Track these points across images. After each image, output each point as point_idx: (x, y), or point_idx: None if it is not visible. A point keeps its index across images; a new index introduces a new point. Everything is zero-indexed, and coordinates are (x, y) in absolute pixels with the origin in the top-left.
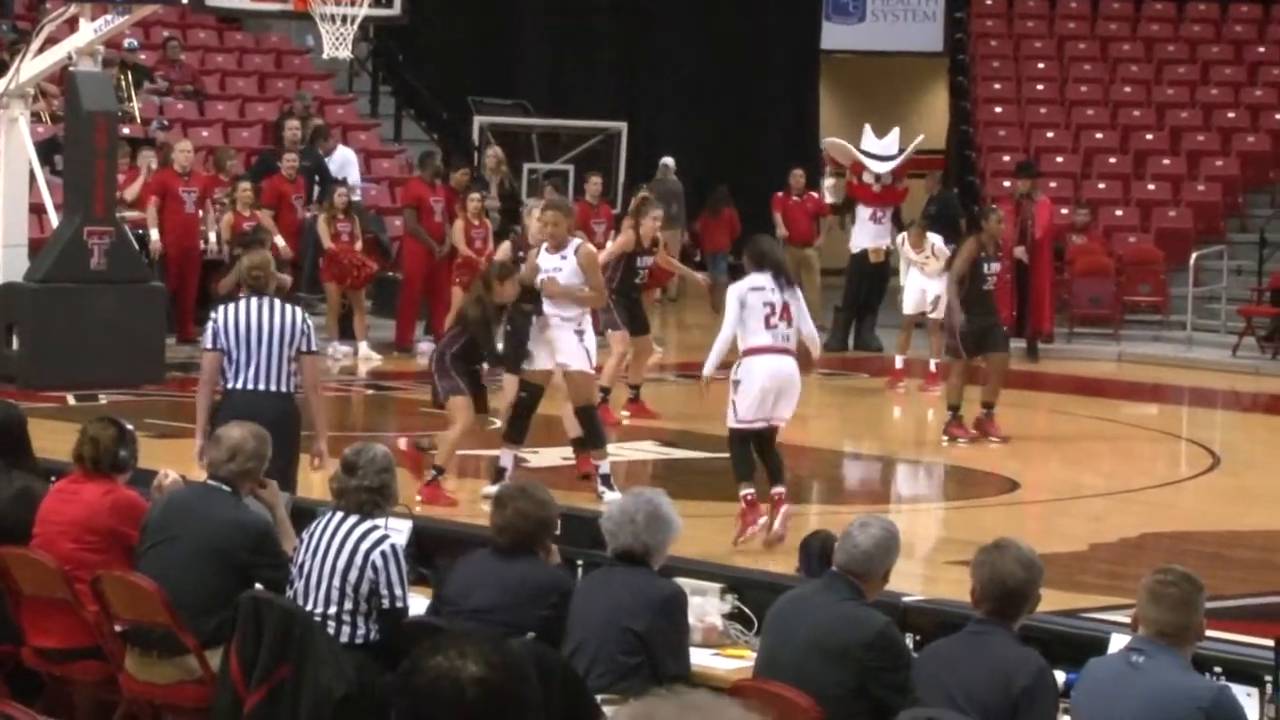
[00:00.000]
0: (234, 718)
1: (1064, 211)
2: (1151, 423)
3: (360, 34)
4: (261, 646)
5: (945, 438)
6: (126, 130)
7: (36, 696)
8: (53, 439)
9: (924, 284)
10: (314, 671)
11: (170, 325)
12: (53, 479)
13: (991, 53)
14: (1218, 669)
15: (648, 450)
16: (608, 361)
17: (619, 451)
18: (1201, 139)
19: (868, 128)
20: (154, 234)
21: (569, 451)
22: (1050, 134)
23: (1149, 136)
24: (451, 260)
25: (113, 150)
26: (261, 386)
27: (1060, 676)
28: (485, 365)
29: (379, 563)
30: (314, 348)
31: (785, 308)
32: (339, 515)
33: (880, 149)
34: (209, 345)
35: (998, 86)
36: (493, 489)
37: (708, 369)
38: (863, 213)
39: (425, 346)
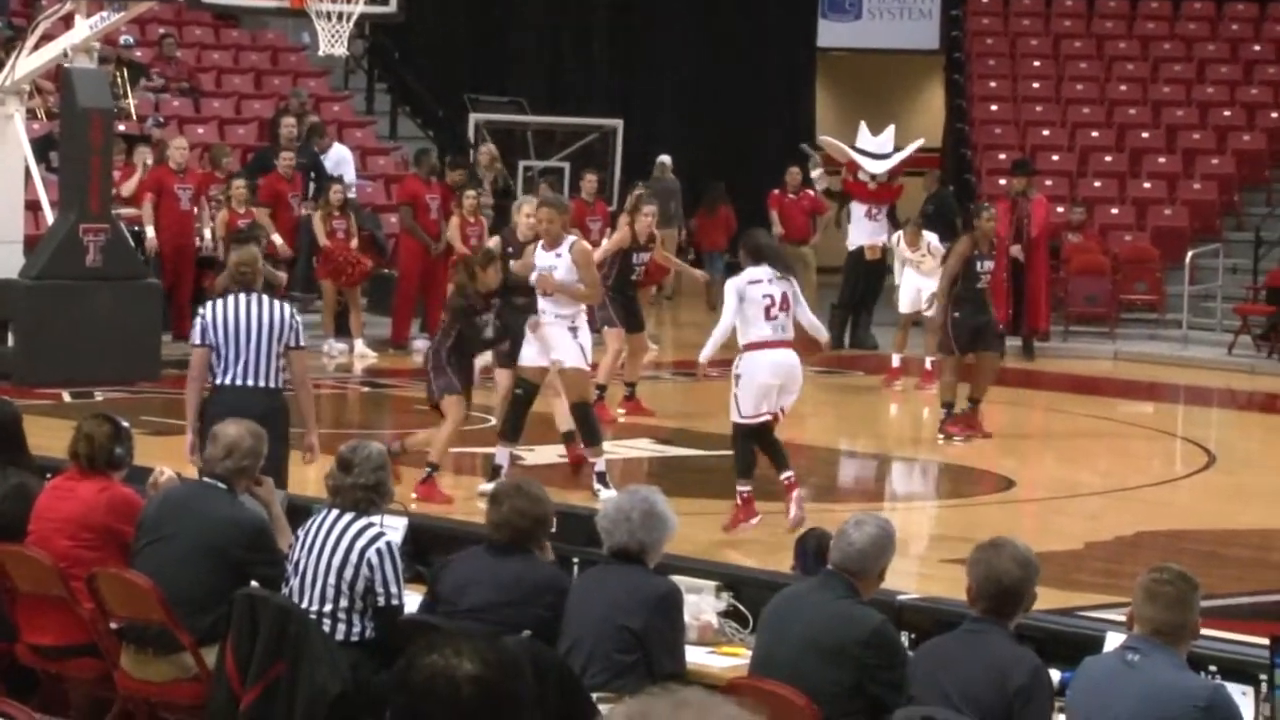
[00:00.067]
0: (229, 715)
1: (1060, 210)
2: (1147, 421)
3: (356, 31)
4: (257, 644)
5: (941, 436)
6: (122, 127)
7: (32, 694)
8: (48, 436)
9: (919, 283)
10: (309, 669)
11: (166, 322)
12: (48, 476)
13: (987, 50)
14: (1213, 668)
15: (643, 448)
16: (603, 359)
17: (614, 449)
18: (1197, 137)
19: (863, 125)
20: (149, 231)
21: (563, 449)
22: (1046, 132)
23: (1145, 135)
24: (447, 257)
25: (108, 147)
26: (250, 382)
27: (1056, 675)
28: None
29: (374, 560)
30: (302, 343)
31: (784, 298)
32: (334, 513)
33: (875, 147)
34: (197, 341)
35: (994, 84)
36: (489, 486)
37: (704, 354)
38: (858, 210)
39: (421, 344)
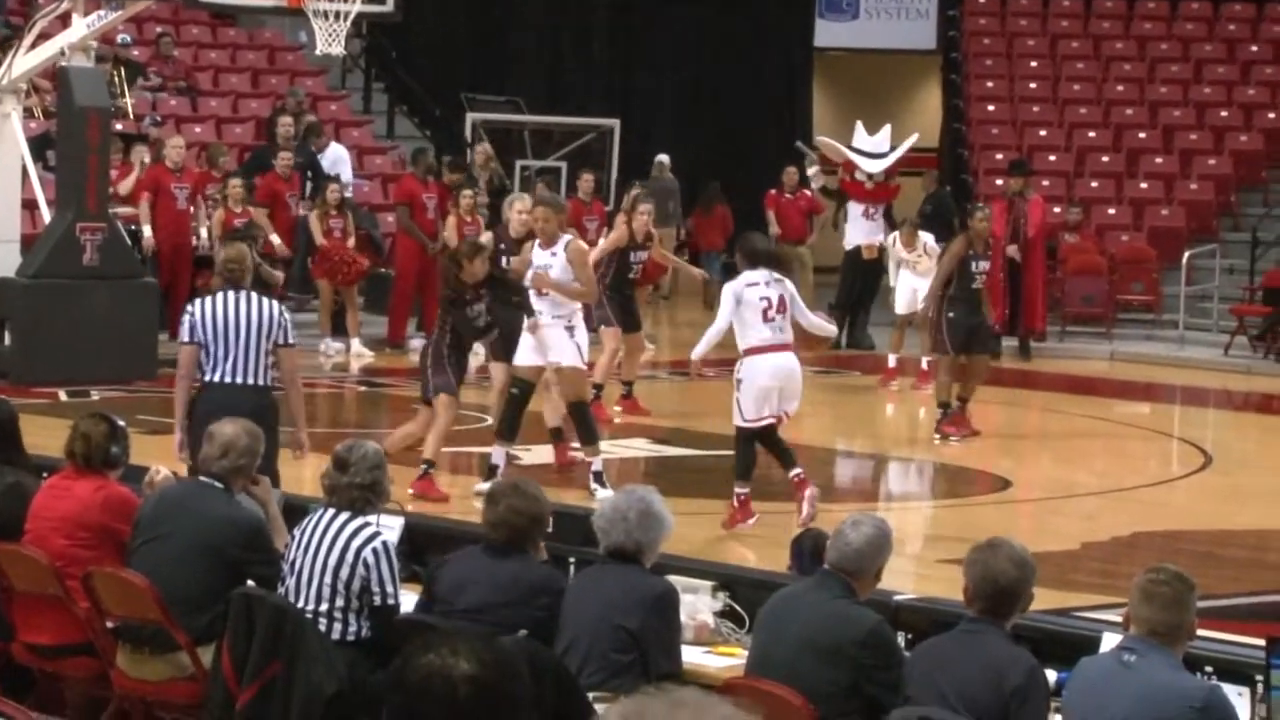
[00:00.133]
0: (226, 715)
1: (1057, 210)
2: (1144, 421)
3: (353, 30)
4: (253, 643)
5: (937, 436)
6: (119, 126)
7: (28, 693)
8: (44, 435)
9: (915, 283)
10: (305, 669)
11: (162, 321)
12: (44, 475)
13: (984, 50)
14: (1209, 668)
15: (640, 448)
16: (600, 358)
17: (611, 449)
18: (1194, 138)
19: (859, 125)
20: (146, 230)
21: (569, 450)
22: (1043, 132)
23: (1142, 135)
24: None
25: (105, 146)
26: (239, 380)
27: (1052, 675)
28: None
29: (370, 560)
30: (292, 340)
31: (781, 301)
32: (330, 512)
33: (872, 146)
34: (185, 339)
35: (990, 84)
36: (485, 486)
37: (697, 352)
38: (855, 210)
39: (418, 343)
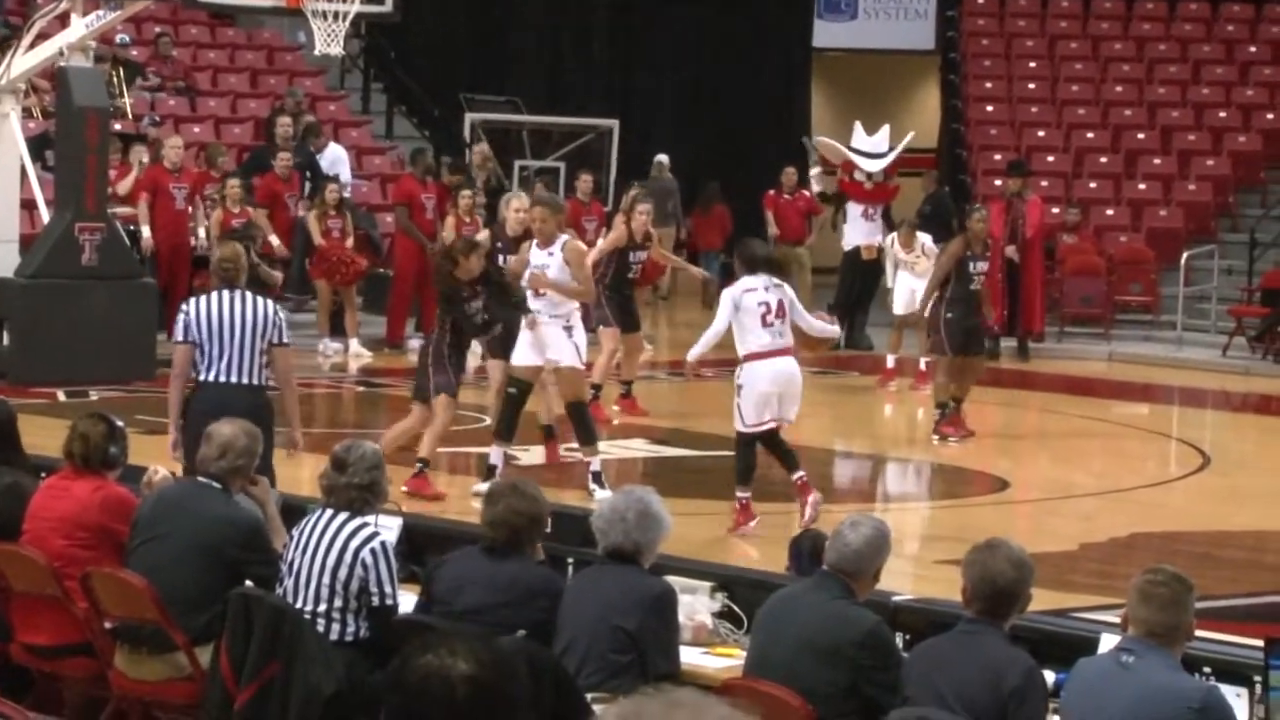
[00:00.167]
0: (224, 715)
1: (1055, 211)
2: (1142, 422)
3: (352, 30)
4: (251, 644)
5: (935, 436)
6: (118, 126)
7: (26, 693)
8: (43, 435)
9: (913, 284)
10: (304, 669)
11: (161, 321)
12: (43, 475)
13: (983, 51)
14: (1207, 669)
15: (638, 448)
16: (599, 358)
17: (610, 449)
18: (1193, 138)
19: (858, 125)
20: (145, 230)
21: (561, 449)
22: (1041, 133)
23: (1140, 136)
24: None
25: (104, 146)
26: (234, 379)
27: (1050, 676)
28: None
29: (369, 560)
30: (286, 340)
31: (779, 306)
32: (329, 512)
33: (870, 146)
34: (180, 338)
35: (989, 85)
36: (483, 486)
37: (693, 353)
38: (854, 210)
39: (416, 344)
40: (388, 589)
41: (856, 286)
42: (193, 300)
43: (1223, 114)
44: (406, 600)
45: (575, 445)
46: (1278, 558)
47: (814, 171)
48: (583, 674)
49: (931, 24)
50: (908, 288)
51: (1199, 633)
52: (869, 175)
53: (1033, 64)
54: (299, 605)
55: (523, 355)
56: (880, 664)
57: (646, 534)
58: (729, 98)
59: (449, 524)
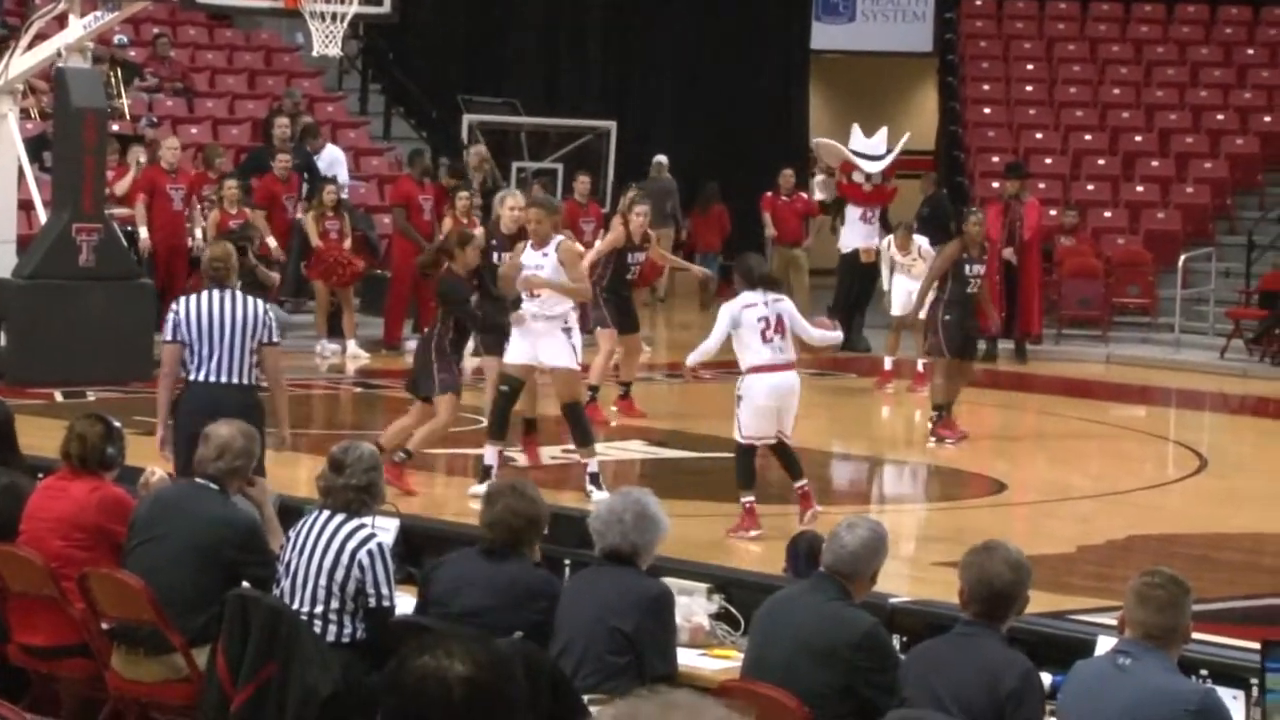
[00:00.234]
0: (220, 716)
1: (1053, 213)
2: (1139, 424)
3: (350, 31)
4: (248, 645)
5: (933, 438)
6: (116, 127)
7: (23, 694)
8: (40, 436)
9: (910, 286)
10: (300, 670)
11: (158, 322)
12: (40, 476)
13: (981, 53)
14: (1204, 671)
15: (636, 450)
16: (595, 360)
17: (607, 451)
18: (1190, 141)
19: (856, 127)
20: (143, 231)
21: (558, 450)
22: (1039, 135)
23: (1138, 138)
24: None
25: (102, 147)
26: (224, 379)
27: (1047, 678)
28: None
29: (365, 562)
30: (276, 339)
31: (779, 320)
32: (326, 514)
33: (869, 148)
34: (168, 338)
35: (987, 87)
36: (480, 488)
37: (691, 359)
38: (852, 212)
39: (414, 345)
40: (384, 590)
41: (855, 289)
42: (183, 299)
43: (1220, 116)
44: (404, 602)
45: (572, 447)
46: (1275, 560)
47: (818, 179)
48: (579, 675)
49: (929, 26)
50: (904, 290)
51: (1196, 635)
52: (868, 177)
53: (1030, 66)
54: (296, 606)
55: (515, 353)
56: (877, 666)
57: (644, 535)
58: (727, 99)
59: (446, 525)
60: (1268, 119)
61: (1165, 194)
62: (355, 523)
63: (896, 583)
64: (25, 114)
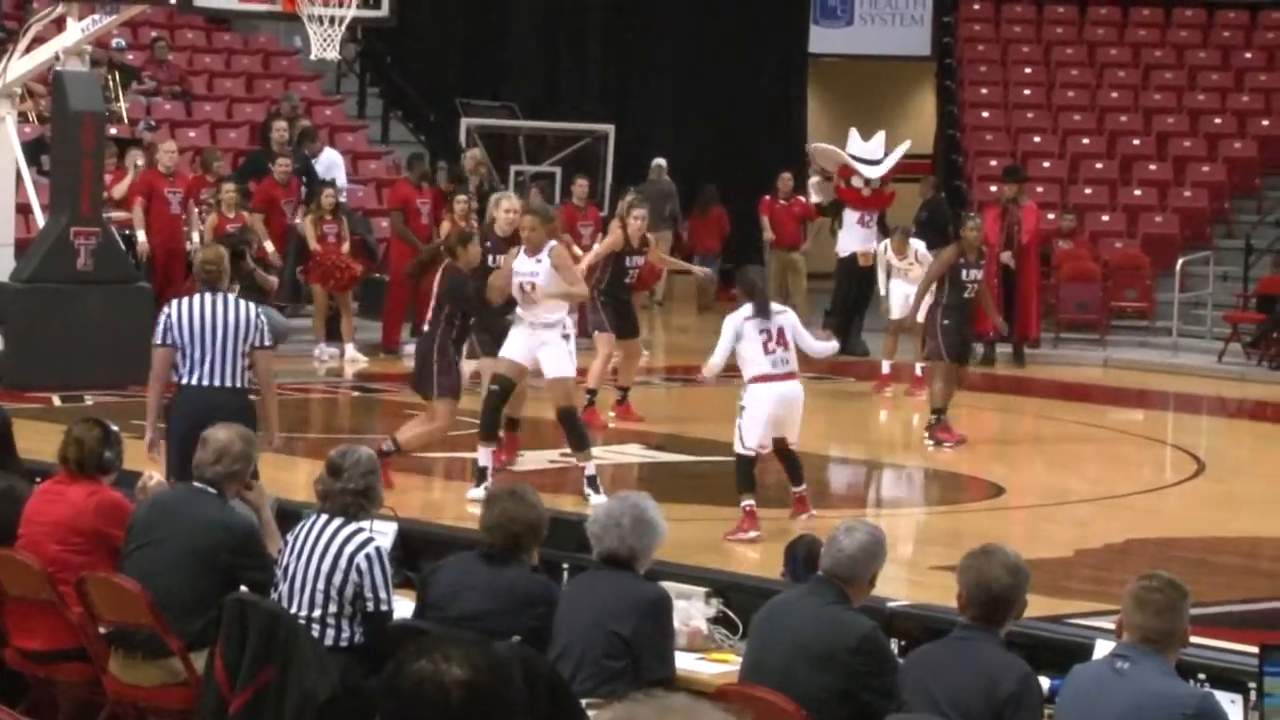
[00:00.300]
0: None
1: (1050, 217)
2: (1137, 428)
3: (348, 35)
4: (246, 649)
5: (931, 442)
6: (114, 130)
7: (20, 698)
8: (38, 440)
9: (907, 290)
10: (298, 674)
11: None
12: (37, 480)
13: (979, 57)
14: (1202, 675)
15: (634, 453)
16: (593, 364)
17: (605, 455)
18: (1188, 145)
19: (853, 131)
20: (140, 235)
21: (556, 454)
22: (1037, 139)
23: (1136, 142)
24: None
25: (99, 150)
26: (215, 382)
27: (1045, 682)
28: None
29: (363, 566)
30: (268, 343)
31: (780, 333)
32: (324, 518)
33: (866, 152)
34: (159, 341)
35: (985, 91)
36: (477, 492)
37: (706, 371)
38: (850, 216)
39: (413, 349)
40: (382, 594)
41: (853, 292)
42: (174, 302)
43: (1218, 120)
44: (402, 606)
45: (569, 450)
46: (1273, 564)
47: (813, 182)
48: (577, 679)
49: (927, 30)
50: (902, 294)
51: (1194, 639)
52: (866, 181)
53: (1028, 70)
54: (294, 610)
55: (512, 349)
56: (875, 670)
57: (642, 539)
58: (726, 101)
59: (444, 529)
60: (1265, 123)
61: (1163, 198)
62: (353, 527)
63: (895, 587)
64: (23, 117)
